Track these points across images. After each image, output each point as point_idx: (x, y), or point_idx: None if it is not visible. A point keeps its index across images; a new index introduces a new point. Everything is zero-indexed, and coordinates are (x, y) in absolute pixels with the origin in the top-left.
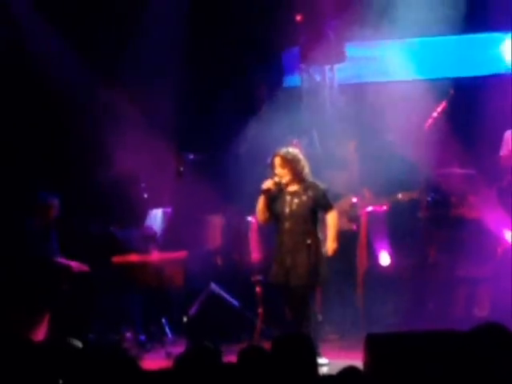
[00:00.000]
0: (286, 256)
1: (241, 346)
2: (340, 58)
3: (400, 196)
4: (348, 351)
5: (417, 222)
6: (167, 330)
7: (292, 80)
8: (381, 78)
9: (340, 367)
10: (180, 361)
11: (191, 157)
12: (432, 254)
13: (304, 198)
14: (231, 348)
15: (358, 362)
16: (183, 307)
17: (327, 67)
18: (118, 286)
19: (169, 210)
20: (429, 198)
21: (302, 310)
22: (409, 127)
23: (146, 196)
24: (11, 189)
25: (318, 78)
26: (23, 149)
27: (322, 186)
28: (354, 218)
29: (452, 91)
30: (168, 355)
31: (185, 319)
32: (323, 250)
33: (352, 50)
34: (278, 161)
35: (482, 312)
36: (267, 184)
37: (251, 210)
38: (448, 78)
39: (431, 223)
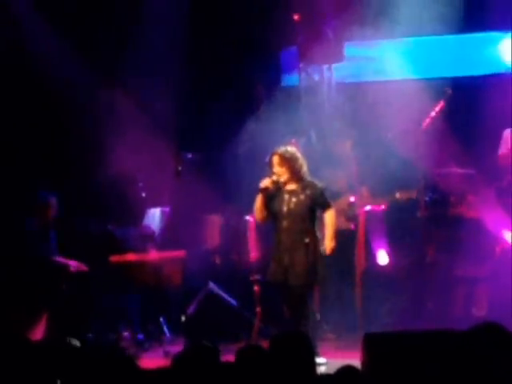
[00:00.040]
0: (283, 255)
1: (239, 345)
2: (338, 57)
3: (398, 195)
4: (346, 350)
5: (415, 222)
6: (165, 329)
7: (290, 79)
8: (379, 78)
9: (338, 366)
10: (178, 360)
11: (190, 156)
12: (430, 254)
13: (302, 196)
14: (229, 347)
15: (356, 362)
16: (181, 306)
17: (325, 66)
18: (116, 285)
19: (167, 209)
20: (427, 198)
21: (300, 309)
22: (407, 126)
23: (144, 195)
24: (10, 188)
25: (316, 77)
26: (22, 148)
27: (319, 184)
28: (352, 218)
29: (450, 90)
30: (166, 354)
31: (183, 318)
32: (321, 249)
33: (350, 49)
34: (276, 159)
35: (480, 311)
36: (265, 182)
37: (249, 210)
38: (446, 78)
39: (430, 223)
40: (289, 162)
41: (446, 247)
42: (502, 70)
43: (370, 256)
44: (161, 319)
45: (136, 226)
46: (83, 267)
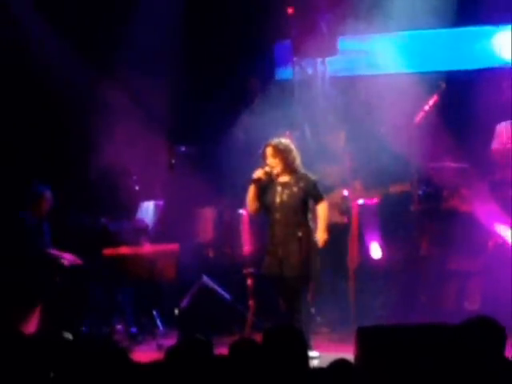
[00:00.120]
0: (277, 248)
1: (232, 338)
2: (332, 51)
3: (391, 188)
4: (339, 344)
5: (408, 215)
6: (158, 322)
7: (284, 73)
8: (372, 71)
9: (331, 360)
10: (171, 353)
11: (183, 149)
12: (423, 247)
13: (295, 189)
14: (222, 340)
15: (349, 355)
16: (175, 299)
17: (319, 60)
18: (110, 278)
19: (160, 202)
20: (420, 192)
21: (294, 303)
22: (400, 120)
23: (137, 188)
24: (5, 183)
25: (309, 70)
26: (17, 144)
27: (313, 177)
28: (345, 211)
29: (443, 84)
30: (159, 347)
31: (176, 311)
32: (315, 241)
33: (344, 43)
34: (269, 151)
35: (473, 305)
36: (258, 173)
37: (243, 203)
38: (439, 72)
39: (423, 216)
40: (282, 153)
41: (439, 241)
42: (496, 64)
43: (364, 249)
44: (154, 312)
45: (129, 219)
46: (77, 260)
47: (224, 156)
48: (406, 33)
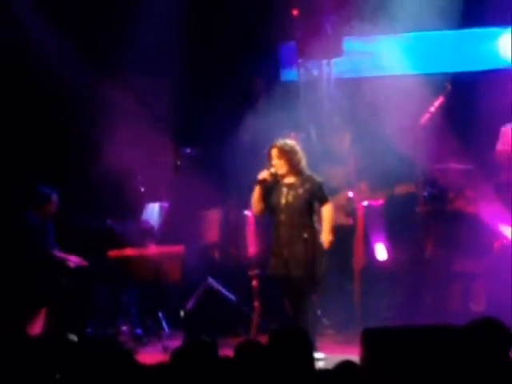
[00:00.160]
0: (282, 249)
1: (237, 340)
2: (337, 52)
3: (396, 189)
4: (344, 346)
5: (414, 217)
6: (164, 323)
7: (289, 74)
8: (378, 73)
9: (336, 361)
10: (177, 355)
11: (188, 151)
12: (429, 249)
13: (300, 190)
14: (228, 342)
15: (355, 357)
16: (180, 301)
17: (324, 62)
18: (115, 279)
19: (166, 204)
20: (426, 193)
21: (300, 304)
22: (405, 122)
23: (143, 190)
24: (9, 183)
25: (315, 72)
26: (21, 144)
27: (318, 178)
28: (350, 213)
29: (449, 86)
30: (165, 349)
31: (182, 313)
32: (321, 242)
33: (349, 44)
34: (274, 152)
35: (479, 307)
36: (263, 174)
37: (248, 204)
38: (445, 73)
39: (428, 218)
40: (287, 154)
41: (444, 242)
42: (501, 66)
43: (369, 251)
44: (159, 314)
45: (135, 220)
46: (83, 262)
47: (229, 157)
48: (412, 34)
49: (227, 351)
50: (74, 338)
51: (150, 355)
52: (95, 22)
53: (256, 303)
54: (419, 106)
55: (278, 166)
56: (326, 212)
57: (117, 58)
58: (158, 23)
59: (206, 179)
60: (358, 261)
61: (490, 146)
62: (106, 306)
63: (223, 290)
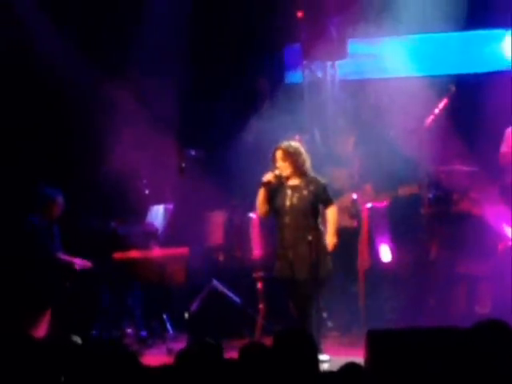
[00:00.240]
0: (287, 251)
1: (242, 342)
2: (342, 54)
3: (400, 191)
4: (349, 348)
5: (418, 219)
6: (168, 326)
7: (294, 76)
8: (382, 75)
9: (341, 364)
10: (181, 357)
11: (193, 153)
12: (433, 251)
13: (305, 192)
14: (232, 344)
15: (359, 359)
16: (184, 303)
17: (329, 63)
18: (120, 282)
19: (170, 206)
20: (430, 195)
21: (306, 306)
22: (410, 124)
23: (147, 192)
24: (13, 185)
25: (319, 74)
26: (25, 146)
27: (322, 180)
28: (354, 215)
29: (453, 88)
30: (169, 351)
31: (186, 315)
32: (325, 243)
33: (353, 46)
34: (279, 154)
35: (484, 309)
36: (268, 176)
37: (253, 207)
38: (449, 75)
39: (433, 220)
40: (292, 156)
41: (448, 244)
42: (506, 67)
43: (373, 253)
44: (164, 316)
45: (139, 223)
46: (87, 264)
47: (234, 159)
48: (416, 36)
49: (232, 353)
50: (78, 340)
51: (155, 357)
52: (98, 22)
53: (260, 305)
54: (423, 108)
55: (283, 167)
56: (331, 214)
57: (121, 58)
58: (161, 24)
59: (210, 181)
60: (362, 263)
61: (495, 148)
62: (111, 308)
63: (228, 292)
